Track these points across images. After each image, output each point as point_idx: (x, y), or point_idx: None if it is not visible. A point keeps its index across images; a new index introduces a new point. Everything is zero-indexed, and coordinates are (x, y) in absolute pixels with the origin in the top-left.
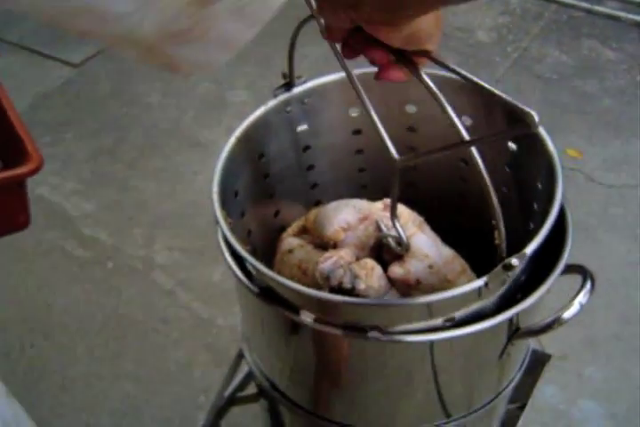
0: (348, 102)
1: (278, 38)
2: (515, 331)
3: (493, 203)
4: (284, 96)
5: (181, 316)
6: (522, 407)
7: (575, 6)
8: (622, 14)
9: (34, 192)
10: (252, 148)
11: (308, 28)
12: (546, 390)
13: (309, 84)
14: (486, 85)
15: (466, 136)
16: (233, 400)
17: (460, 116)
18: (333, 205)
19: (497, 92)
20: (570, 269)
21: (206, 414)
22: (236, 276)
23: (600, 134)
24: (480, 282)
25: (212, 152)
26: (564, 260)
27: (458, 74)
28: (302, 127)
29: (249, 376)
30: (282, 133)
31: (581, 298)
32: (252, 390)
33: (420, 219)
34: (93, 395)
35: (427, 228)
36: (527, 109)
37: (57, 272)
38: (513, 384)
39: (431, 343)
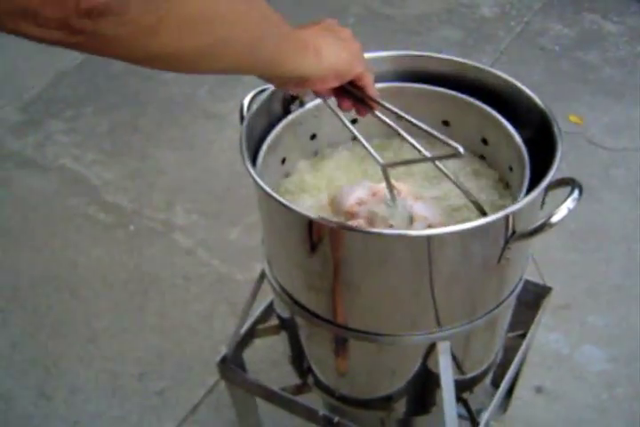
0: None
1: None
2: (511, 234)
3: None
4: None
5: (201, 272)
6: (523, 335)
7: None
8: None
9: (57, 162)
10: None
11: (314, 6)
12: (550, 337)
13: None
14: (422, 125)
15: (426, 154)
16: (253, 332)
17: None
18: (348, 186)
19: (428, 129)
20: (562, 181)
21: (227, 345)
22: (257, 183)
23: (601, 101)
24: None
25: (226, 123)
26: (554, 168)
27: (401, 117)
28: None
29: (269, 309)
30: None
31: (569, 203)
32: (273, 322)
33: (417, 191)
34: (119, 346)
35: (425, 196)
36: (453, 144)
37: (81, 234)
38: (513, 296)
39: (428, 241)
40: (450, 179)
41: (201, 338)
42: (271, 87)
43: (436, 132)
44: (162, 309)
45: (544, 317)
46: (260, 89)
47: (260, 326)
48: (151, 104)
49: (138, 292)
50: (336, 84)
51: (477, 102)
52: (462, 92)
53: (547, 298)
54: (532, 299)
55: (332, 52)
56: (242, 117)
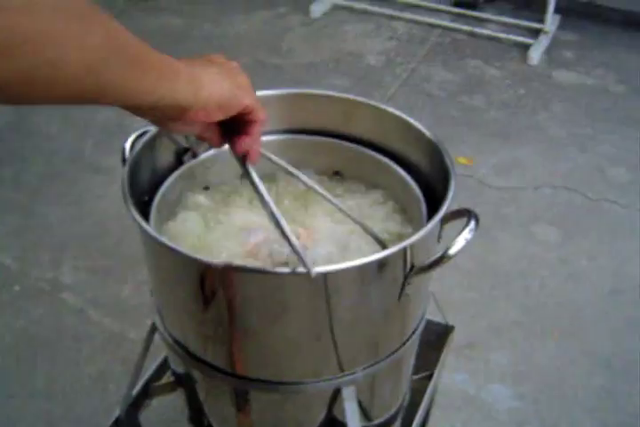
0: None
1: None
2: (410, 268)
3: None
4: None
5: (92, 332)
6: (429, 377)
7: (458, 30)
8: (502, 35)
9: None
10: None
11: None
12: (456, 377)
13: None
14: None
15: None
16: (148, 391)
17: None
18: (249, 229)
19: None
20: (458, 213)
21: (120, 407)
22: (141, 228)
23: (488, 143)
24: None
25: (114, 177)
26: (449, 199)
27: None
28: None
29: (164, 365)
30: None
31: (466, 234)
32: (169, 379)
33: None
34: (5, 414)
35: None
36: (307, 265)
37: None
38: (417, 334)
39: (325, 275)
40: (346, 214)
41: (95, 401)
42: (153, 129)
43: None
44: (52, 372)
45: (448, 357)
46: (142, 131)
47: (155, 384)
48: (35, 159)
49: (25, 356)
50: (220, 115)
51: (367, 151)
52: (353, 140)
53: (450, 337)
54: (435, 338)
55: (213, 80)
56: (124, 160)
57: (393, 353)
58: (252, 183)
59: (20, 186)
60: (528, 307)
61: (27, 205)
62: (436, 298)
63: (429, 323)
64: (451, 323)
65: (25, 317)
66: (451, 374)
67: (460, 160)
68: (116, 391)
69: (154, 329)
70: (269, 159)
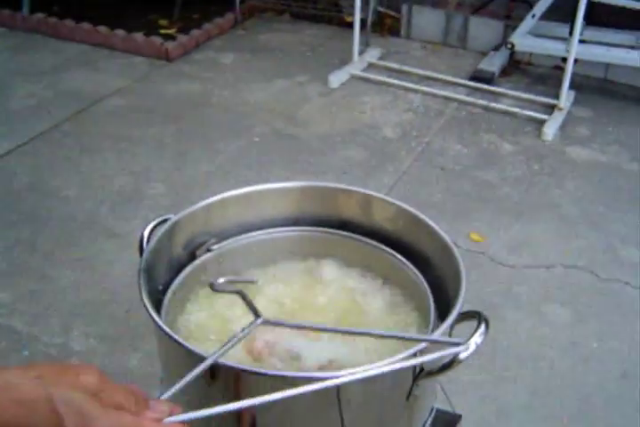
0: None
1: (193, 135)
2: (419, 372)
3: None
4: None
5: None
6: None
7: (473, 104)
8: (517, 110)
9: None
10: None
11: (221, 125)
12: None
13: None
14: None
15: None
16: None
17: None
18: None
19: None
20: (467, 315)
21: None
22: (156, 323)
23: (501, 219)
24: None
25: (127, 243)
26: (458, 306)
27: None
28: None
29: None
30: None
31: (476, 338)
32: None
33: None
34: None
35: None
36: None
37: None
38: None
39: (337, 388)
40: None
41: None
42: (173, 217)
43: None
44: None
45: None
46: (161, 219)
47: None
48: (51, 222)
49: None
50: None
51: (382, 246)
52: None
53: (457, 426)
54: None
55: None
56: (141, 250)
57: None
58: None
59: (35, 249)
60: (537, 390)
61: (40, 269)
62: (443, 387)
63: (436, 411)
64: (458, 405)
65: None
66: None
67: (472, 236)
68: None
69: None
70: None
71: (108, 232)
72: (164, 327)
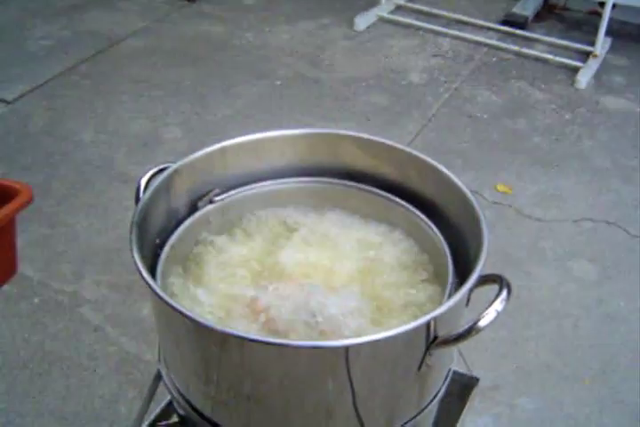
0: None
1: (213, 78)
2: (433, 340)
3: None
4: None
5: (108, 351)
6: None
7: (505, 49)
8: (550, 57)
9: None
10: None
11: (242, 68)
12: (479, 421)
13: None
14: None
15: None
16: None
17: None
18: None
19: None
20: (488, 278)
21: None
22: (147, 283)
23: (529, 171)
24: None
25: None
26: (478, 270)
27: None
28: None
29: (170, 405)
30: None
31: (497, 306)
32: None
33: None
34: None
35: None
36: None
37: None
38: (436, 401)
39: (346, 348)
40: None
41: (105, 425)
42: (172, 165)
43: None
44: (64, 392)
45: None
46: (160, 167)
47: (161, 424)
48: (65, 166)
49: (39, 372)
50: None
51: (397, 199)
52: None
53: (474, 391)
54: (458, 389)
55: None
56: (137, 199)
57: (409, 421)
58: None
59: (49, 194)
60: (560, 349)
61: (53, 214)
62: (460, 348)
63: (452, 373)
64: (476, 362)
65: (42, 331)
66: (473, 418)
67: (499, 188)
68: (126, 416)
69: (159, 377)
70: None
71: (124, 177)
72: (159, 291)
